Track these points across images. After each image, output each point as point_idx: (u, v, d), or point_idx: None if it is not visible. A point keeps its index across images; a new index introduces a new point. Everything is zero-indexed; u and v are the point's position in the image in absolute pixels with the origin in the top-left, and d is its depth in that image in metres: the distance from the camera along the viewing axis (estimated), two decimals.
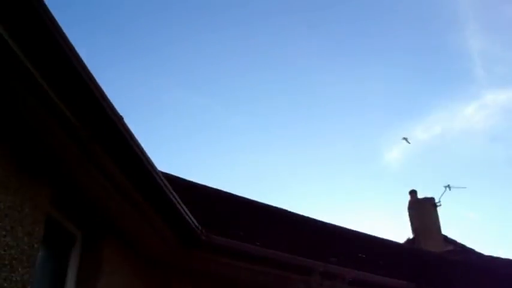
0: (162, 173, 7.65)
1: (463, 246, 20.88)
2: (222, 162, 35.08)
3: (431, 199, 21.33)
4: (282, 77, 31.94)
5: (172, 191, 7.97)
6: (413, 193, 21.60)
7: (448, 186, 21.19)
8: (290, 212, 14.83)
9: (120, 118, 6.11)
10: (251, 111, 33.06)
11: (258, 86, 30.64)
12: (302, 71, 31.42)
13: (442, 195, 21.23)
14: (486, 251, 20.45)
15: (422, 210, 21.16)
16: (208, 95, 32.04)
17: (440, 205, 21.20)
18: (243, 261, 10.08)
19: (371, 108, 34.36)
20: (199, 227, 9.06)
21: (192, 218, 8.80)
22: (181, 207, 8.43)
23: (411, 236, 20.97)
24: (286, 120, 33.56)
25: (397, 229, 38.87)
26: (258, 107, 32.28)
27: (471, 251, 20.62)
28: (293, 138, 34.54)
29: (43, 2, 4.73)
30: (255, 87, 31.65)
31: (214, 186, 13.66)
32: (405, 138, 21.37)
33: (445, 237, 20.83)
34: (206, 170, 32.65)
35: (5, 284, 5.58)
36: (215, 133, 33.98)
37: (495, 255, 19.37)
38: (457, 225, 34.65)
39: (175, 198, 8.17)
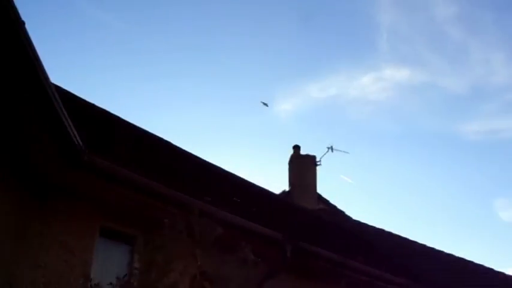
0: (56, 86, 7.44)
1: (334, 207, 21.49)
2: (122, 87, 34.52)
3: (313, 157, 21.67)
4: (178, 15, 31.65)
5: (61, 105, 7.78)
6: (296, 148, 21.87)
7: (331, 147, 21.58)
8: (175, 146, 14.79)
9: (22, 23, 5.88)
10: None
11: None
12: (202, 17, 31.24)
13: (324, 155, 21.63)
14: (355, 216, 21.17)
15: (302, 167, 21.49)
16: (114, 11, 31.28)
17: (320, 164, 21.60)
18: (122, 186, 10.02)
19: (271, 60, 34.56)
20: (83, 146, 8.90)
21: (77, 136, 8.63)
22: (68, 122, 8.25)
23: (287, 189, 21.32)
24: (185, 60, 33.32)
25: (276, 180, 39.62)
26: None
27: (341, 213, 21.28)
28: (185, 76, 34.35)
29: None
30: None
31: (110, 110, 13.41)
32: (264, 103, 21.34)
33: (319, 196, 21.34)
34: (106, 94, 32.07)
35: None
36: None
37: (363, 221, 20.07)
38: (333, 186, 35.63)
39: (63, 112, 7.98)
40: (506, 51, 37.24)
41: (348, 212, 21.37)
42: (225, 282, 10.98)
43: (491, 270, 19.44)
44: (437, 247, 19.37)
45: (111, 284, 9.36)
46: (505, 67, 36.90)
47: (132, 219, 10.47)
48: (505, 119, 38.58)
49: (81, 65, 32.54)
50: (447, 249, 19.53)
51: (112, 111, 13.60)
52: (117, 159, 10.29)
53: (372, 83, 36.67)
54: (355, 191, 36.79)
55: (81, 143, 8.77)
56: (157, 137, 14.32)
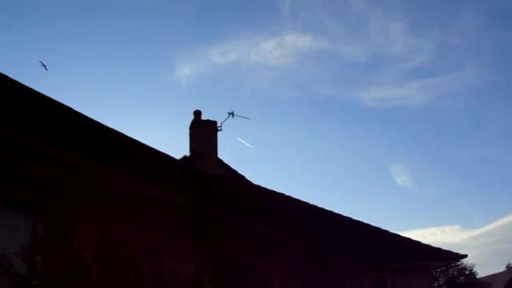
0: None
1: (235, 172, 21.74)
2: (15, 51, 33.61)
3: (214, 122, 21.77)
4: None
5: None
6: (197, 113, 21.89)
7: (232, 113, 21.74)
8: (76, 111, 14.55)
9: None
10: None
11: None
12: None
13: (224, 120, 21.77)
14: (255, 180, 21.51)
15: (203, 132, 21.57)
16: None
17: (221, 130, 21.74)
18: (23, 154, 9.89)
19: (171, 24, 34.38)
20: None
21: None
22: None
23: (188, 154, 21.40)
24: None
25: (176, 146, 39.66)
26: None
27: (242, 178, 21.57)
28: (90, 39, 33.77)
29: None
30: None
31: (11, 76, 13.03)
32: (43, 64, 20.90)
33: (220, 161, 21.53)
34: None
35: None
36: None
37: (263, 185, 20.43)
38: (234, 152, 36.07)
39: None
40: (405, 21, 38.46)
41: (248, 177, 21.70)
42: (130, 247, 11.10)
43: (386, 232, 20.27)
44: (336, 210, 20.01)
45: (16, 253, 9.32)
46: (403, 37, 38.11)
47: (35, 188, 10.31)
48: (401, 87, 39.92)
49: None
50: (346, 213, 20.22)
51: (9, 75, 13.24)
52: (17, 128, 10.10)
53: (273, 49, 37.17)
54: (255, 156, 37.34)
55: None
56: (59, 103, 14.06)
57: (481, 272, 38.91)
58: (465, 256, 20.30)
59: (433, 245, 20.22)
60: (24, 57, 34.57)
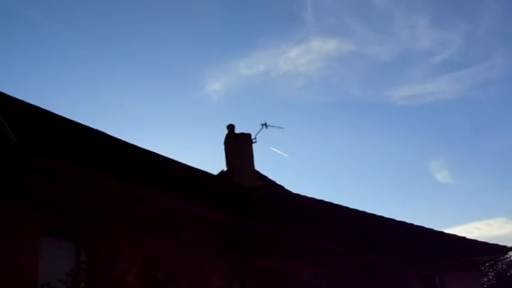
0: None
1: (273, 183, 21.70)
2: (51, 82, 34.05)
3: (248, 135, 21.76)
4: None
5: None
6: (230, 127, 21.91)
7: (265, 124, 21.71)
8: (110, 136, 14.68)
9: None
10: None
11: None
12: (126, 7, 30.98)
13: (258, 132, 21.75)
14: (294, 189, 21.45)
15: (238, 145, 21.57)
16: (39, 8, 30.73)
17: (255, 142, 21.71)
18: (61, 181, 9.93)
19: (197, 41, 34.48)
20: (19, 144, 8.79)
21: (12, 134, 8.54)
22: (2, 122, 8.18)
23: (225, 169, 21.42)
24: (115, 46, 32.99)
25: (212, 161, 39.74)
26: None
27: (280, 188, 21.52)
28: (113, 66, 34.04)
29: None
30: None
31: (41, 106, 13.19)
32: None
33: (257, 173, 21.50)
34: (36, 90, 31.52)
35: None
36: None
37: (301, 193, 20.36)
38: (270, 162, 35.96)
39: None
40: (430, 15, 38.03)
41: (287, 187, 21.65)
42: (171, 267, 11.08)
43: (430, 230, 20.04)
44: (378, 213, 19.86)
45: (60, 281, 9.35)
46: (429, 31, 37.68)
47: (74, 214, 10.37)
48: (431, 82, 39.48)
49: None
50: (387, 214, 20.06)
51: (41, 106, 13.40)
52: (53, 155, 10.17)
53: (301, 56, 37.02)
54: (292, 165, 37.18)
55: (17, 141, 8.67)
56: (92, 129, 14.20)
57: None
58: None
59: (479, 239, 19.94)
60: (51, 82, 34.92)
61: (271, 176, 21.99)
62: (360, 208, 19.72)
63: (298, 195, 20.35)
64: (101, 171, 10.90)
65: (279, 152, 24.63)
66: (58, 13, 31.80)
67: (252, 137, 21.77)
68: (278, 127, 22.21)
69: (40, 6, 31.04)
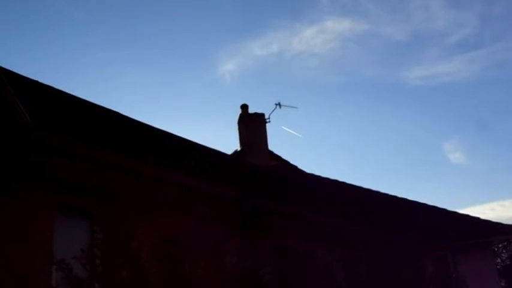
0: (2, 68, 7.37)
1: (287, 163, 21.70)
2: (64, 60, 34.10)
3: (262, 115, 21.76)
4: None
5: (7, 84, 7.73)
6: (244, 107, 21.91)
7: (279, 104, 21.70)
8: (123, 115, 14.70)
9: None
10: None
11: None
12: None
13: (272, 112, 21.74)
14: (308, 169, 21.44)
15: (252, 125, 21.57)
16: None
17: (269, 121, 21.71)
18: (74, 160, 9.99)
19: (210, 22, 34.40)
20: (32, 123, 8.83)
21: (25, 113, 8.58)
22: (15, 100, 8.21)
23: (239, 148, 21.44)
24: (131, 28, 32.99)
25: (226, 141, 39.77)
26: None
27: (294, 168, 21.51)
28: (132, 45, 34.05)
29: None
30: None
31: (54, 85, 13.21)
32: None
33: (271, 153, 21.51)
34: (48, 67, 31.55)
35: None
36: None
37: (316, 173, 20.35)
38: (284, 142, 35.92)
39: (10, 91, 7.94)
40: None
41: (301, 166, 21.64)
42: (186, 244, 11.12)
43: (444, 210, 20.00)
44: (391, 193, 19.83)
45: (74, 257, 9.41)
46: (444, 11, 37.39)
47: (88, 193, 10.43)
48: (446, 62, 39.23)
49: (16, 38, 32.03)
50: (401, 194, 20.02)
51: (56, 86, 13.41)
52: (67, 134, 10.22)
53: (315, 36, 36.83)
54: (306, 145, 37.14)
55: (30, 120, 8.71)
56: (106, 108, 14.21)
57: None
58: None
59: (493, 220, 19.88)
60: (66, 64, 34.98)
61: (285, 156, 22.01)
62: (374, 188, 19.71)
63: (311, 174, 20.34)
64: (115, 150, 10.96)
65: (290, 131, 24.54)
66: None
67: (266, 116, 21.77)
68: (292, 107, 22.20)
69: None
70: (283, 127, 22.31)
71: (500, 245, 30.26)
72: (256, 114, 21.88)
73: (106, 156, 10.50)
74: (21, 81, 11.20)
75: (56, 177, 9.97)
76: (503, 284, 25.28)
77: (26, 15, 30.79)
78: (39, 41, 32.45)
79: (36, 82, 12.57)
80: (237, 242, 12.46)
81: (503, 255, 32.39)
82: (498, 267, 26.71)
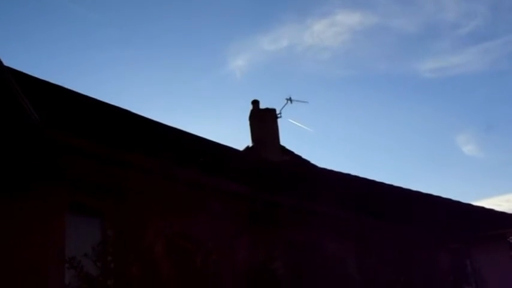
0: (10, 68, 7.40)
1: (299, 157, 21.69)
2: (73, 58, 34.22)
3: (273, 110, 21.76)
4: None
5: (14, 83, 7.75)
6: (255, 103, 21.90)
7: (290, 99, 21.69)
8: (133, 113, 14.72)
9: None
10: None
11: None
12: None
13: (283, 107, 21.73)
14: (320, 164, 21.41)
15: (263, 121, 21.57)
16: None
17: (280, 117, 21.71)
18: (84, 158, 9.98)
19: (219, 18, 34.43)
20: (41, 121, 8.82)
21: (34, 112, 8.58)
22: (24, 99, 8.22)
23: (251, 144, 21.45)
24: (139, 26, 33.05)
25: (238, 136, 39.80)
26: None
27: (306, 162, 21.50)
28: (141, 43, 34.12)
29: None
30: None
31: (63, 85, 13.25)
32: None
33: (283, 148, 21.50)
34: (58, 67, 31.68)
35: None
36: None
37: (328, 167, 20.33)
38: (295, 137, 35.91)
39: (17, 90, 7.95)
40: None
41: (313, 161, 21.62)
42: (198, 239, 11.15)
43: (457, 202, 19.91)
44: (405, 186, 19.77)
45: (85, 255, 9.44)
46: (455, 2, 37.17)
47: (99, 191, 10.42)
48: (458, 54, 39.04)
49: (25, 39, 32.17)
50: (414, 187, 19.95)
51: (66, 86, 13.44)
52: (76, 132, 10.22)
53: (326, 29, 36.77)
54: (318, 140, 37.11)
55: (38, 118, 8.71)
56: (116, 106, 14.25)
57: None
58: None
59: (509, 212, 19.77)
60: (77, 63, 35.12)
61: (297, 151, 21.99)
62: (387, 181, 19.66)
63: (323, 169, 20.33)
64: (126, 147, 10.97)
65: (299, 124, 24.48)
66: None
67: (277, 112, 21.76)
68: (302, 101, 22.19)
69: None
70: (290, 120, 22.10)
71: None
72: (267, 109, 21.88)
73: (116, 154, 10.47)
74: (29, 80, 11.24)
75: (66, 176, 9.95)
76: None
77: (36, 15, 30.95)
78: (48, 41, 32.57)
79: (45, 82, 12.64)
80: (249, 237, 12.46)
81: None
82: None
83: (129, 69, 36.19)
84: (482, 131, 43.33)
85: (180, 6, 34.06)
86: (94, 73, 33.80)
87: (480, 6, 37.24)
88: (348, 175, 19.53)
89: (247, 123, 21.87)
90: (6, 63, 7.46)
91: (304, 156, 21.79)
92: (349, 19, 36.41)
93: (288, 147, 21.85)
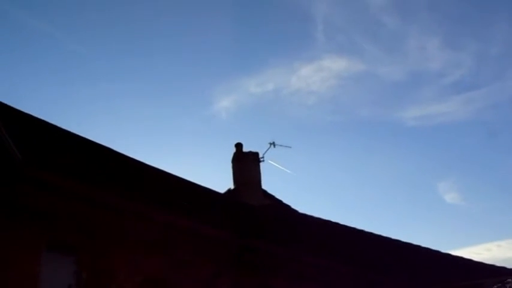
0: None
1: (280, 202, 21.66)
2: (57, 93, 34.28)
3: (256, 154, 21.76)
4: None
5: None
6: (238, 146, 21.90)
7: (273, 143, 21.70)
8: (115, 151, 14.68)
9: None
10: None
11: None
12: (134, 22, 31.21)
13: (266, 151, 21.74)
14: (301, 209, 21.39)
15: (246, 164, 21.56)
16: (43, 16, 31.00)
17: (263, 161, 21.70)
18: (64, 197, 9.97)
19: (206, 58, 34.65)
20: (22, 159, 8.82)
21: (15, 149, 8.59)
22: (4, 135, 8.23)
23: (232, 187, 21.40)
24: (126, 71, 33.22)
25: (221, 178, 39.68)
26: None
27: (287, 207, 21.47)
28: (121, 81, 34.27)
29: None
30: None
31: (47, 119, 13.23)
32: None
33: (265, 192, 21.47)
34: (42, 102, 31.71)
35: None
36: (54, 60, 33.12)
37: (308, 213, 20.31)
38: (278, 180, 35.91)
39: (2, 130, 7.97)
40: (440, 36, 38.08)
41: (294, 206, 21.60)
42: (173, 284, 11.08)
43: (436, 252, 19.93)
44: (385, 234, 19.78)
45: None
46: (440, 52, 37.69)
47: (76, 230, 10.38)
48: (442, 103, 39.45)
49: (10, 72, 32.23)
50: (395, 236, 19.95)
51: (49, 121, 13.43)
52: (56, 170, 10.20)
53: (313, 74, 37.08)
54: (300, 184, 37.09)
55: (20, 157, 8.71)
56: (97, 143, 14.22)
57: None
58: None
59: (489, 261, 19.89)
60: (58, 97, 35.21)
61: (278, 195, 21.98)
62: (367, 229, 19.66)
63: (304, 214, 20.31)
64: (104, 188, 10.94)
65: (278, 166, 24.46)
66: (67, 27, 32.09)
67: (260, 155, 21.78)
68: (286, 146, 22.21)
69: (48, 17, 31.33)
70: (270, 161, 22.07)
71: (494, 287, 30.11)
72: (250, 152, 21.87)
73: (94, 194, 10.47)
74: (11, 113, 11.22)
75: (43, 214, 9.93)
76: None
77: (23, 46, 31.05)
78: (34, 73, 32.66)
79: (27, 115, 12.61)
80: (226, 281, 12.42)
81: None
82: None
83: (115, 104, 36.29)
84: (466, 176, 43.60)
85: (169, 44, 34.36)
86: (81, 107, 33.88)
87: (465, 56, 37.80)
88: (329, 221, 19.50)
89: (230, 165, 21.86)
90: None
91: (286, 200, 21.78)
92: (336, 65, 36.83)
93: (270, 191, 21.82)
